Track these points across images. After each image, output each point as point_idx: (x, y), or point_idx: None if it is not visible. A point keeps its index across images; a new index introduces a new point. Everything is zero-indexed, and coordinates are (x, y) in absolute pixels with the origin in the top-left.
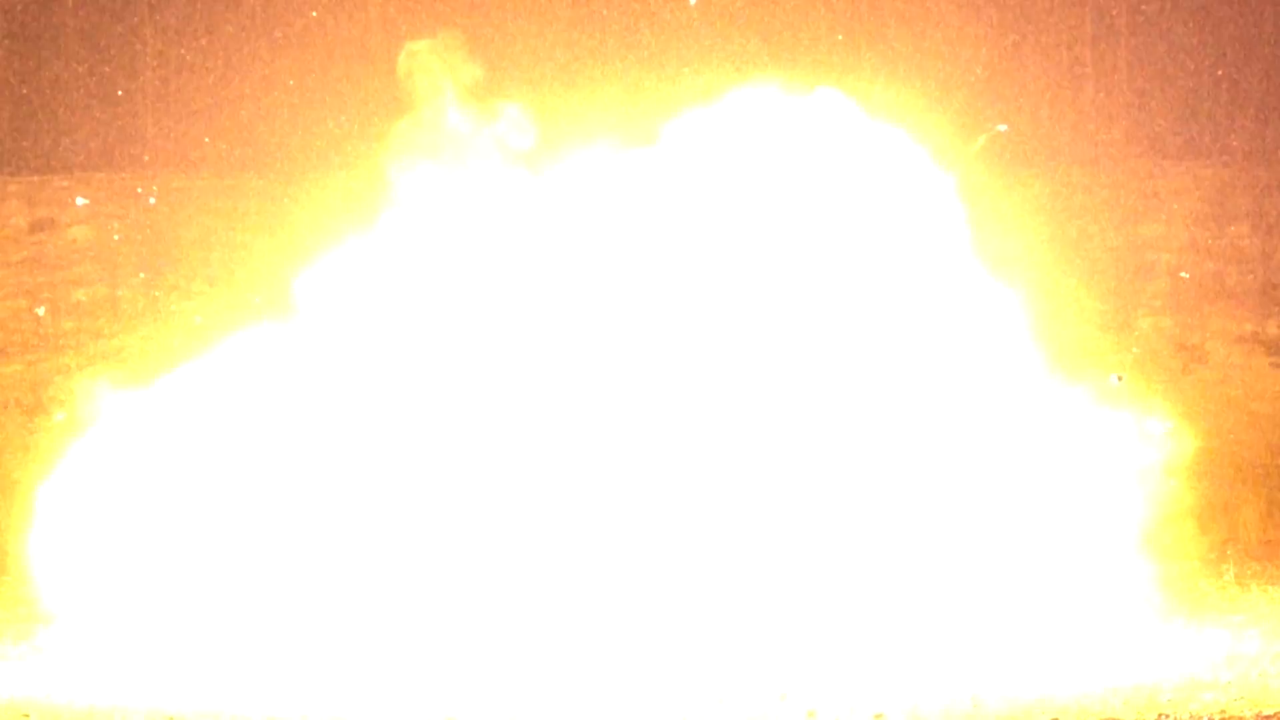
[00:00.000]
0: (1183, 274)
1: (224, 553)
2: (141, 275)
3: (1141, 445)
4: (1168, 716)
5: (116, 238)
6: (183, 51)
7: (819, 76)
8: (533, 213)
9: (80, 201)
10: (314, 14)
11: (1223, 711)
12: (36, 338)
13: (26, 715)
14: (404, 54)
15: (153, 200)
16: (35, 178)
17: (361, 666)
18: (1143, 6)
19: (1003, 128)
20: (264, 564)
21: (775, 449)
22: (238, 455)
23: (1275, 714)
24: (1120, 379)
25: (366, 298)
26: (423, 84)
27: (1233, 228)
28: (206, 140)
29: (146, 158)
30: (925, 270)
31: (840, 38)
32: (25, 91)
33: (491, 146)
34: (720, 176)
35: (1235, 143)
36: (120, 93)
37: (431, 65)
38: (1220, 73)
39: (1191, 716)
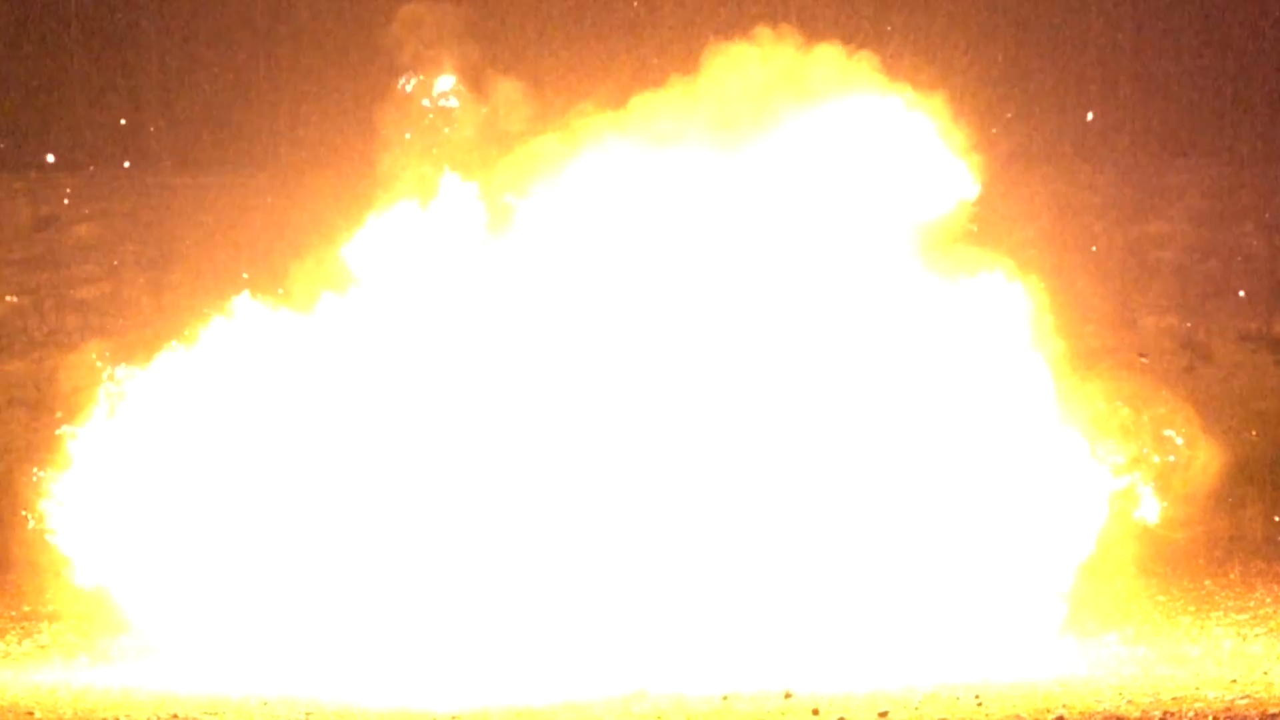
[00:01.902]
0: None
1: (236, 544)
2: (145, 273)
3: (1147, 444)
4: (1173, 714)
5: (120, 235)
6: (187, 49)
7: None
8: (529, 199)
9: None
10: (318, 11)
11: (1228, 710)
12: (40, 335)
13: (31, 713)
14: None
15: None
16: (39, 175)
17: (379, 648)
18: (1149, 4)
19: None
20: (276, 552)
21: (783, 451)
22: (245, 445)
23: None
24: (1144, 358)
25: (371, 287)
26: (415, 54)
27: (1238, 226)
28: (213, 138)
29: (150, 155)
30: (927, 267)
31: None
32: (29, 89)
33: (486, 122)
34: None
35: (1241, 141)
36: (124, 91)
37: (425, 31)
38: (1226, 71)
39: (1196, 714)
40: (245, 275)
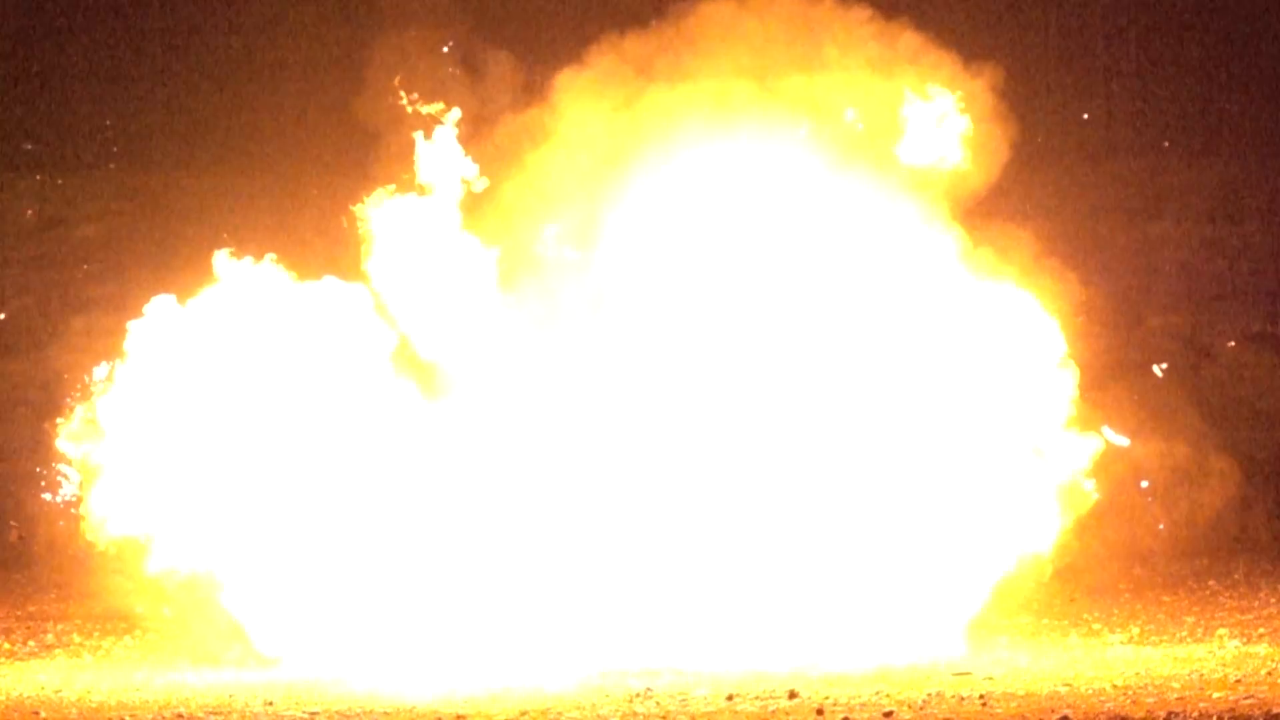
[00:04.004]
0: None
1: (243, 539)
2: (150, 272)
3: (1152, 444)
4: (1177, 715)
5: (125, 235)
6: (193, 51)
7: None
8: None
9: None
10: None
11: (1232, 710)
12: (45, 335)
13: (37, 713)
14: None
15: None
16: (44, 176)
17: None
18: (1154, 3)
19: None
20: (283, 549)
21: (790, 459)
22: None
23: None
24: (1163, 369)
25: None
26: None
27: (1243, 226)
28: (220, 139)
29: (155, 156)
30: (930, 268)
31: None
32: (35, 91)
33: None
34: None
35: (1247, 141)
36: (129, 92)
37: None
38: (1232, 70)
39: (1200, 715)
40: (225, 236)
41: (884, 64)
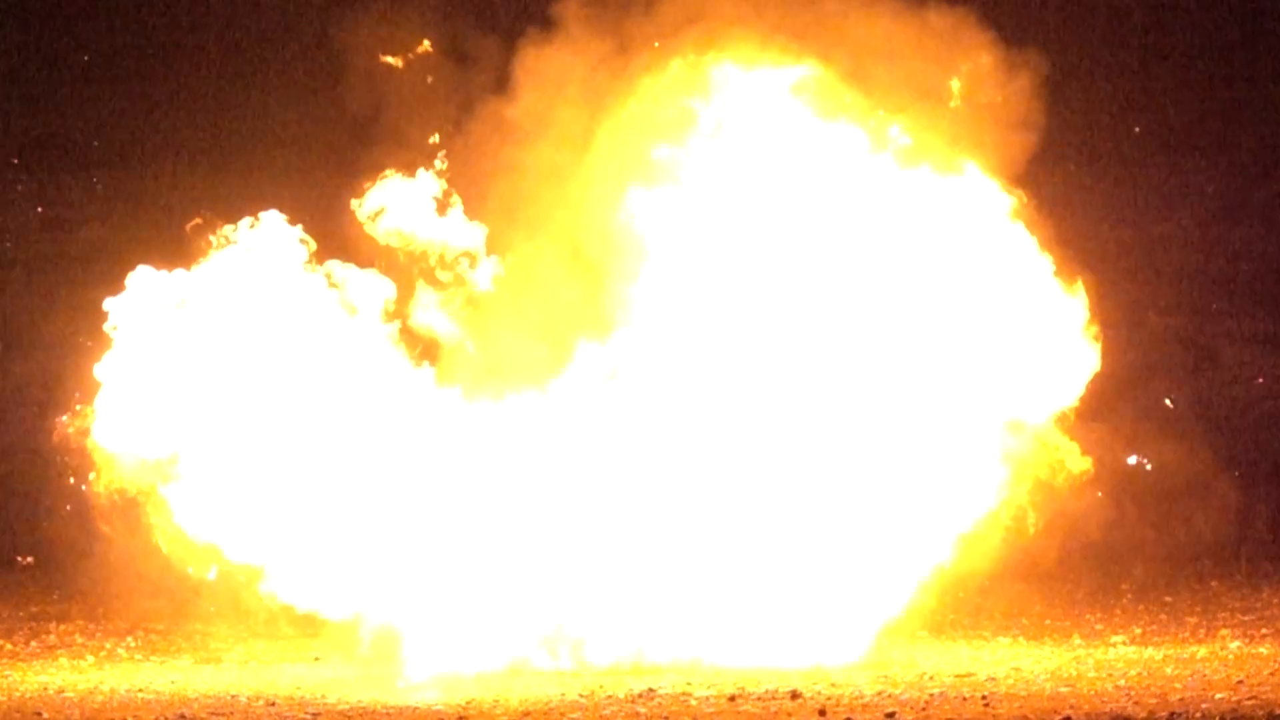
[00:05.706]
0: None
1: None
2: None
3: (1154, 446)
4: (1179, 715)
5: (127, 235)
6: (194, 50)
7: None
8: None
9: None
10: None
11: (1234, 711)
12: (49, 335)
13: (39, 714)
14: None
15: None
16: (47, 176)
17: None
18: (1156, 5)
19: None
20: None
21: (792, 462)
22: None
23: None
24: (1172, 402)
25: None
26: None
27: (1245, 227)
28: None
29: (156, 155)
30: (934, 268)
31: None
32: (36, 91)
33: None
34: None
35: (1249, 142)
36: (130, 92)
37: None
38: (1235, 71)
39: (1203, 715)
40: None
41: (904, 43)
